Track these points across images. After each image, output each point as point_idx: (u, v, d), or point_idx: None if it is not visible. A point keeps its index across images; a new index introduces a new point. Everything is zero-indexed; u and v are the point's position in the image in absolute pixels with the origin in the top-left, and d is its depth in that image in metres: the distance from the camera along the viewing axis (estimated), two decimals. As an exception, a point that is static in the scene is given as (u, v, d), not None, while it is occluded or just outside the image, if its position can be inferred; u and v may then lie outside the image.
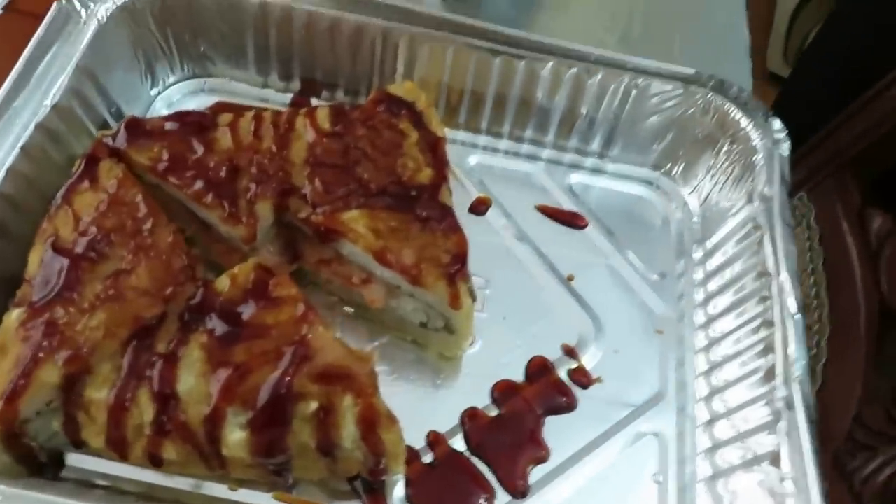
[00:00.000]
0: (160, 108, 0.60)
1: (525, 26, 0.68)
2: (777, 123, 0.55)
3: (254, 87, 0.62)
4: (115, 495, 0.43)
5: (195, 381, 0.40)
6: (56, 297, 0.42)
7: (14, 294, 0.44)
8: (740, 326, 0.50)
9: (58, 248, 0.43)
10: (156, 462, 0.41)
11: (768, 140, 0.54)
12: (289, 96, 0.62)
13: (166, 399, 0.40)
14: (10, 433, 0.40)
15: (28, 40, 1.02)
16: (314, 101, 0.62)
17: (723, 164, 0.57)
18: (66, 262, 0.43)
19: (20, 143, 0.47)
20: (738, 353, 0.49)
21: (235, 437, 0.40)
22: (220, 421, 0.40)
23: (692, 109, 0.58)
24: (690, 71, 0.57)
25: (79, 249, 0.43)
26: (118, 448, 0.41)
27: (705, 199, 0.59)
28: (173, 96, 0.61)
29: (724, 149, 0.57)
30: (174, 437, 0.40)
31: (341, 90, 0.62)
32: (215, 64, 0.62)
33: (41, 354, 0.40)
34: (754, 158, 0.54)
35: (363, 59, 0.59)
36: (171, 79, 0.61)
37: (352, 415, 0.41)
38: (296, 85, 0.62)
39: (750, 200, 0.53)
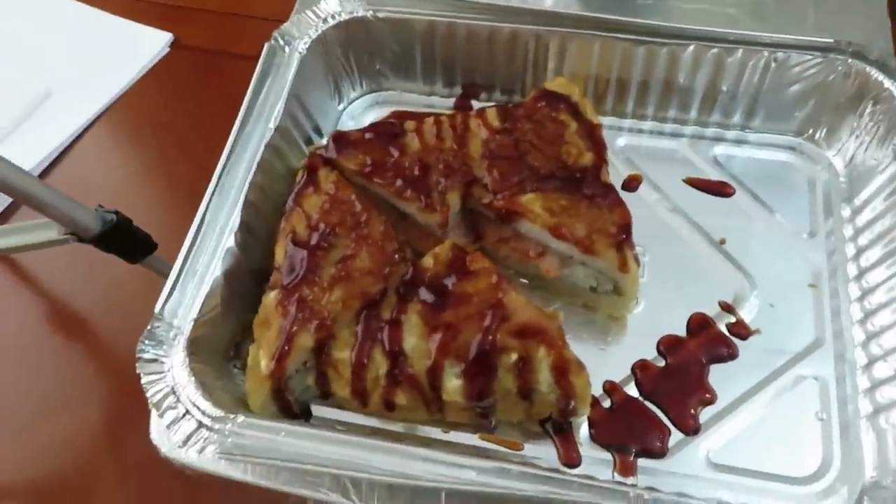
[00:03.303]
0: (346, 121, 0.71)
1: (660, 10, 0.72)
2: (921, 81, 0.58)
3: (421, 95, 0.72)
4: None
5: (417, 341, 0.50)
6: (301, 279, 0.52)
7: (262, 280, 0.55)
8: (893, 275, 0.53)
9: (297, 242, 0.54)
10: (389, 407, 0.51)
11: (913, 98, 0.57)
12: (451, 101, 0.71)
13: (395, 356, 0.50)
14: (277, 388, 0.51)
15: (192, 77, 1.16)
16: (475, 103, 0.70)
17: (867, 124, 0.60)
18: (304, 252, 0.54)
19: (256, 160, 0.58)
20: (892, 301, 0.53)
21: (453, 384, 0.49)
22: (440, 371, 0.49)
23: (832, 76, 0.61)
24: (829, 40, 0.61)
25: (313, 241, 0.54)
26: (360, 396, 0.51)
27: (850, 160, 0.62)
28: (355, 110, 0.72)
29: (868, 110, 0.60)
30: (404, 386, 0.50)
31: (498, 91, 0.70)
32: (388, 79, 0.72)
33: (297, 325, 0.51)
34: (900, 116, 0.57)
35: (517, 61, 0.67)
36: (353, 94, 0.72)
37: (546, 364, 0.49)
38: (457, 90, 0.71)
39: (896, 157, 0.56)
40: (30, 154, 0.97)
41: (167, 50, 1.14)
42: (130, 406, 0.86)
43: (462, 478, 0.44)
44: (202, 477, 0.56)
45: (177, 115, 1.11)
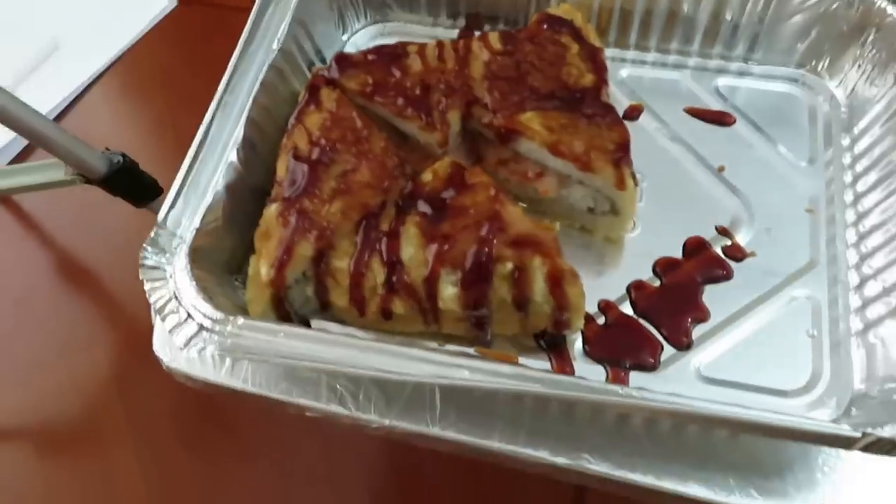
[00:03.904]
0: (350, 51, 0.71)
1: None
2: (924, 7, 0.57)
3: (425, 27, 0.72)
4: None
5: (414, 251, 0.51)
6: (302, 192, 0.53)
7: (264, 198, 0.56)
8: (888, 196, 0.53)
9: (298, 157, 0.55)
10: (387, 316, 0.52)
11: (915, 24, 0.57)
12: (455, 32, 0.71)
13: (393, 265, 0.51)
14: (277, 297, 0.52)
15: (198, 31, 1.16)
16: (477, 34, 0.70)
17: (869, 53, 0.60)
18: (306, 166, 0.54)
19: (259, 79, 0.59)
20: (885, 222, 0.53)
21: (449, 292, 0.50)
22: (436, 280, 0.50)
23: (836, 4, 0.61)
24: (833, -34, 0.61)
25: (314, 156, 0.55)
26: (358, 305, 0.52)
27: (852, 90, 0.62)
28: (359, 41, 0.72)
29: (871, 38, 0.60)
30: (401, 295, 0.51)
31: (501, 22, 0.70)
32: (392, 10, 0.72)
33: (297, 235, 0.52)
34: (901, 43, 0.57)
35: (521, -10, 0.67)
36: (358, 25, 0.72)
37: (541, 273, 0.49)
38: (461, 22, 0.71)
39: (896, 82, 0.56)
40: (38, 105, 0.99)
41: (174, 5, 1.14)
42: (138, 349, 0.88)
43: (455, 376, 0.45)
44: (203, 390, 0.57)
45: (183, 69, 1.12)
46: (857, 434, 0.39)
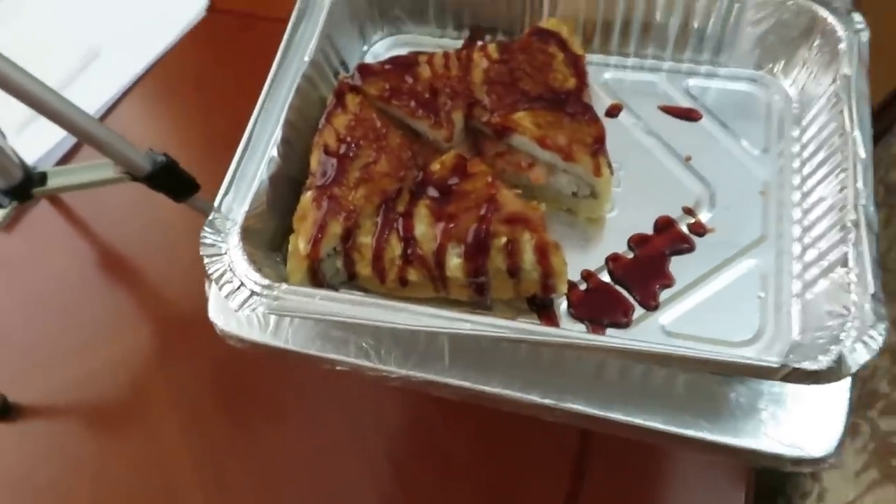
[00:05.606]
0: (369, 60, 0.82)
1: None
2: (857, 17, 0.67)
3: (434, 38, 0.82)
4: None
5: (425, 228, 0.61)
6: (332, 181, 0.64)
7: (299, 188, 0.67)
8: (826, 176, 0.63)
9: (328, 152, 0.66)
10: (403, 283, 0.62)
11: (850, 31, 0.66)
12: (460, 42, 0.82)
13: (408, 240, 0.61)
14: (313, 268, 0.63)
15: (227, 38, 1.27)
16: (479, 44, 0.81)
17: (815, 55, 0.70)
18: (334, 160, 0.65)
19: (294, 87, 0.69)
20: (822, 199, 0.63)
21: (454, 262, 0.60)
22: (444, 252, 0.60)
23: (786, 15, 0.70)
24: (782, -17, 0.70)
25: (341, 151, 0.65)
26: (380, 274, 0.62)
27: (802, 88, 0.72)
28: (377, 51, 0.82)
29: (816, 43, 0.69)
30: (415, 265, 0.61)
31: (500, 32, 0.80)
32: (406, 24, 0.82)
33: (328, 216, 0.62)
34: (839, 47, 0.66)
35: (516, 5, 0.77)
36: (375, 38, 0.82)
37: (529, 245, 0.60)
38: (466, 33, 0.81)
39: (835, 81, 0.66)
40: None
41: (204, 14, 1.24)
42: (179, 333, 1.00)
43: (460, 327, 0.55)
44: (250, 350, 0.68)
45: (214, 75, 1.23)
46: (777, 364, 0.49)
